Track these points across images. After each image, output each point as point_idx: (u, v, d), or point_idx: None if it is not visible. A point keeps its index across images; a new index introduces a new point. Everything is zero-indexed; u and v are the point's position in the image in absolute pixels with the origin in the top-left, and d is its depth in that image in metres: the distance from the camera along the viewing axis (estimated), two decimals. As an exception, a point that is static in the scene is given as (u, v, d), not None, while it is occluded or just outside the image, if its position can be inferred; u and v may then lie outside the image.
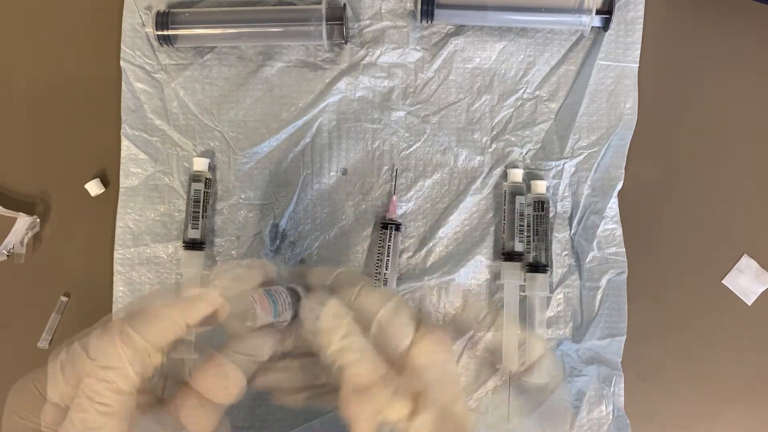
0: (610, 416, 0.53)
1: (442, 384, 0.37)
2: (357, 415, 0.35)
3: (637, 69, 0.55)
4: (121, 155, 0.54)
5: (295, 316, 0.37)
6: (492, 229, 0.54)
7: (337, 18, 0.52)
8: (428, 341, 0.37)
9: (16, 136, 0.55)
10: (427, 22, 0.53)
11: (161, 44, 0.53)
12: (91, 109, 0.55)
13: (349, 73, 0.54)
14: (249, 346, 0.36)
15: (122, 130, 0.54)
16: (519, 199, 0.53)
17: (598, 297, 0.54)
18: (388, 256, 0.52)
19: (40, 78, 0.55)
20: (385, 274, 0.52)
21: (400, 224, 0.53)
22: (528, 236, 0.53)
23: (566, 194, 0.54)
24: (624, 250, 0.54)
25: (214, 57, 0.54)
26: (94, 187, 0.54)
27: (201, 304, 0.35)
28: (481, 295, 0.54)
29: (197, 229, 0.52)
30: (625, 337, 0.53)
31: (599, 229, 0.54)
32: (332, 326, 0.36)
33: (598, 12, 0.52)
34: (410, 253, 0.54)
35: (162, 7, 0.53)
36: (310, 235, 0.54)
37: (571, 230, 0.54)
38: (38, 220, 0.54)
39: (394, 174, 0.54)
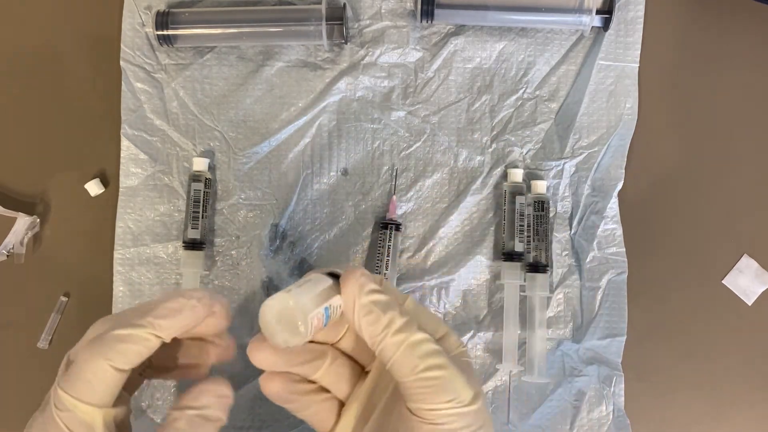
0: (610, 416, 0.53)
1: None
2: None
3: (637, 69, 0.55)
4: (121, 155, 0.54)
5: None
6: (492, 229, 0.54)
7: (337, 18, 0.52)
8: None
9: (16, 136, 0.55)
10: (427, 22, 0.53)
11: (161, 44, 0.53)
12: (91, 109, 0.55)
13: (349, 73, 0.54)
14: None
15: (122, 130, 0.53)
16: (519, 199, 0.53)
17: (598, 297, 0.54)
18: (388, 256, 0.52)
19: (39, 78, 0.55)
20: (385, 274, 0.52)
21: (400, 224, 0.53)
22: (528, 236, 0.53)
23: (566, 194, 0.54)
24: (624, 250, 0.54)
25: (214, 57, 0.54)
26: (94, 187, 0.54)
27: (130, 346, 0.33)
28: (481, 295, 0.54)
29: (197, 229, 0.52)
30: (625, 337, 0.53)
31: (599, 229, 0.54)
32: (381, 320, 0.32)
33: (598, 12, 0.52)
34: (410, 253, 0.54)
35: (162, 7, 0.53)
36: (310, 235, 0.54)
37: (571, 230, 0.54)
38: (38, 220, 0.54)
39: (394, 174, 0.54)
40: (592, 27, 0.53)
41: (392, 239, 0.52)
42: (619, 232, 0.54)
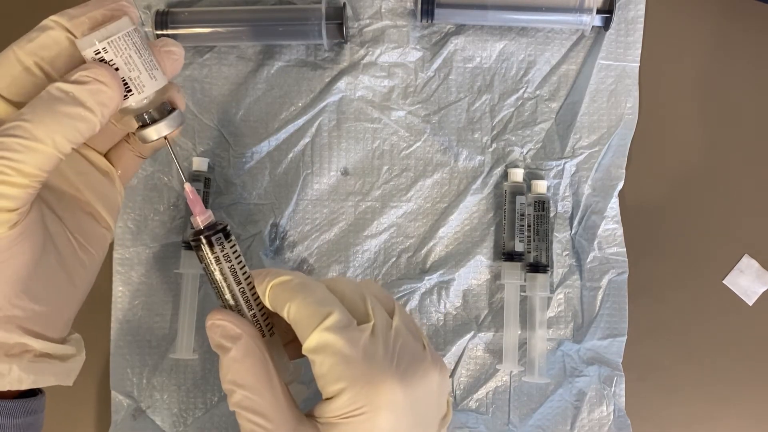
0: (611, 417, 0.53)
1: None
2: None
3: (638, 68, 0.55)
4: (121, 155, 0.53)
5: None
6: (492, 229, 0.54)
7: (336, 17, 0.52)
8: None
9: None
10: (427, 22, 0.53)
11: (161, 44, 0.52)
12: (90, 109, 0.55)
13: (349, 72, 0.54)
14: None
15: (122, 130, 0.53)
16: (519, 199, 0.53)
17: (599, 297, 0.54)
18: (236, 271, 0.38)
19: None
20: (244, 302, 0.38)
21: (224, 228, 0.37)
22: (528, 236, 0.52)
23: (567, 194, 0.54)
24: (625, 250, 0.54)
25: (213, 56, 0.54)
26: (93, 187, 0.54)
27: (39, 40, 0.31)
28: (482, 295, 0.54)
29: (197, 229, 0.51)
30: (625, 337, 0.53)
31: (600, 229, 0.54)
32: (312, 313, 0.33)
33: (598, 11, 0.52)
34: (410, 253, 0.54)
35: (161, 7, 0.53)
36: (310, 235, 0.54)
37: (571, 230, 0.54)
38: (37, 220, 0.53)
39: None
40: (593, 26, 0.53)
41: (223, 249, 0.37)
42: (620, 232, 0.54)
